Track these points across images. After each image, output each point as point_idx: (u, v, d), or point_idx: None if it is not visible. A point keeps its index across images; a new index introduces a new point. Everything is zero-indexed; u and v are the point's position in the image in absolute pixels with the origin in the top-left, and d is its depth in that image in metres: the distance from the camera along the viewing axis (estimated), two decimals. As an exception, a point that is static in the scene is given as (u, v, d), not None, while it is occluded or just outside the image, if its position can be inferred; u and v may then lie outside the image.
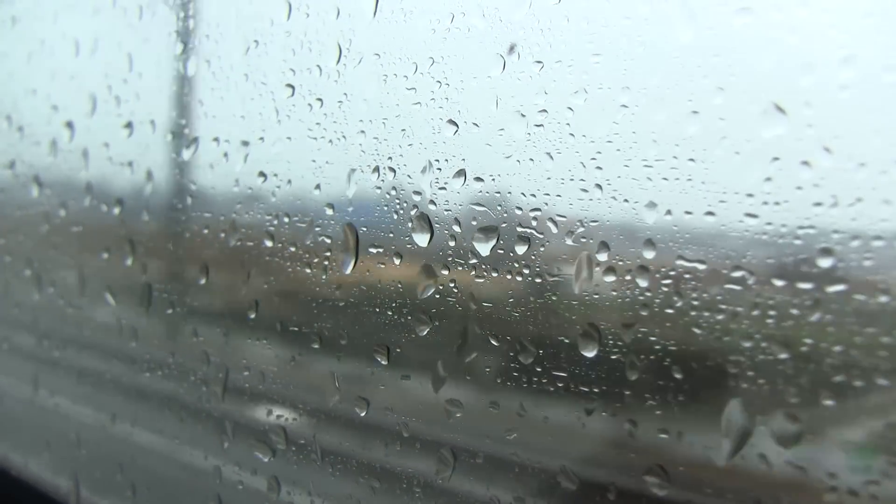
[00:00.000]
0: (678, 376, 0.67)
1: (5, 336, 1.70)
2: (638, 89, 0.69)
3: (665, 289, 0.67)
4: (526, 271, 0.76)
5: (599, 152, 0.71)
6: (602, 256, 0.71)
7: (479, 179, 0.80)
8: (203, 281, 1.14)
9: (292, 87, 1.00)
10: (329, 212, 0.95)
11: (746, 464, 0.63)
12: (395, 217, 0.88)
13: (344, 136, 0.94)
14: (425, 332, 0.85)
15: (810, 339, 0.59)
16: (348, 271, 0.93)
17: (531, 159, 0.76)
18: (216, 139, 1.11)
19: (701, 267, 0.65)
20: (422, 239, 0.85)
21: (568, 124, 0.73)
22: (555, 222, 0.74)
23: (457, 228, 0.82)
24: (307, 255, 0.98)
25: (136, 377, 1.30)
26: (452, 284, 0.83)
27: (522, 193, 0.76)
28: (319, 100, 0.97)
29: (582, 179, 0.72)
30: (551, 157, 0.74)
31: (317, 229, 0.96)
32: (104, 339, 1.40)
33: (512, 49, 0.77)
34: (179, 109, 1.20)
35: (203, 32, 1.16)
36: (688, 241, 0.66)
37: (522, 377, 0.77)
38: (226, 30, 1.12)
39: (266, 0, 1.05)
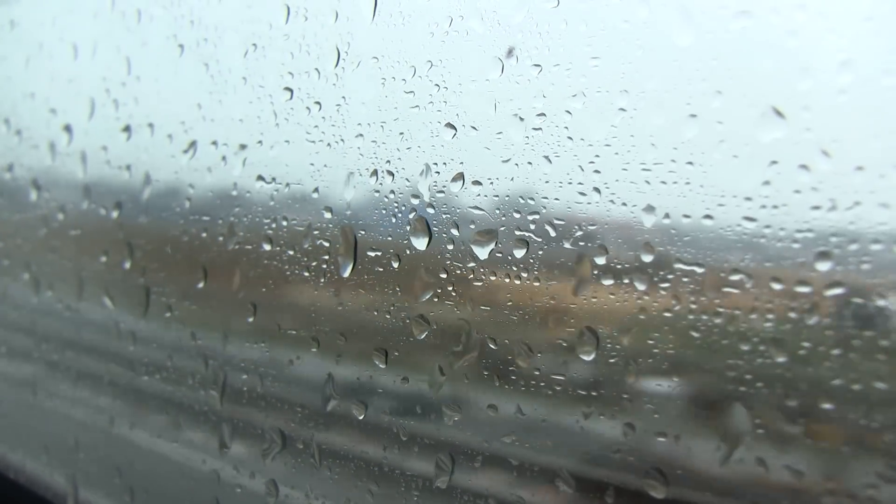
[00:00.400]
0: (675, 379, 0.67)
1: (4, 339, 1.70)
2: (636, 93, 0.69)
3: (663, 292, 0.67)
4: (524, 275, 0.76)
5: (598, 156, 0.71)
6: (600, 260, 0.71)
7: (477, 183, 0.80)
8: (201, 284, 1.14)
9: (290, 91, 1.00)
10: (327, 215, 0.95)
11: (744, 467, 0.63)
12: (394, 220, 0.88)
13: (342, 140, 0.93)
14: (423, 336, 0.85)
15: (808, 342, 0.59)
16: (346, 275, 0.93)
17: (529, 163, 0.76)
18: (214, 142, 1.11)
19: (699, 270, 0.65)
20: (420, 242, 0.85)
21: (566, 127, 0.73)
22: (553, 226, 0.74)
23: (455, 232, 0.82)
24: (305, 259, 0.98)
25: (134, 380, 1.29)
26: (451, 288, 0.83)
27: (521, 197, 0.76)
28: (318, 103, 0.97)
29: (580, 183, 0.72)
30: (549, 161, 0.74)
31: (315, 233, 0.96)
32: (102, 341, 1.40)
33: (510, 52, 0.77)
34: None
35: (201, 36, 1.16)
36: (686, 245, 0.66)
37: (520, 380, 0.77)
38: (224, 33, 1.12)
39: (264, 3, 1.05)
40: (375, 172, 0.89)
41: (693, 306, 0.65)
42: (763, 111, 0.61)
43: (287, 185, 1.00)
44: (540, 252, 0.75)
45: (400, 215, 0.87)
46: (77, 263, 1.43)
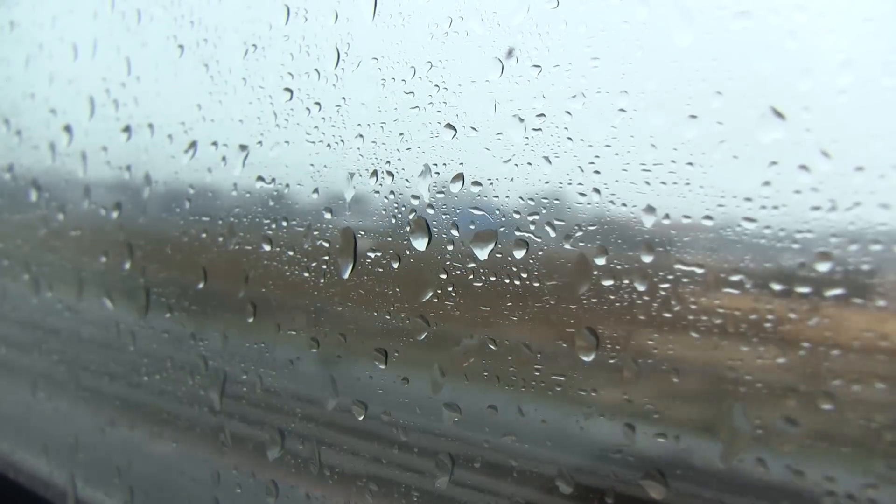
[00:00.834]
0: (675, 380, 0.67)
1: (4, 339, 1.70)
2: (636, 93, 0.69)
3: (663, 293, 0.67)
4: (524, 275, 0.76)
5: (597, 156, 0.71)
6: (600, 260, 0.71)
7: (477, 183, 0.80)
8: (201, 285, 1.14)
9: (290, 91, 1.00)
10: (327, 216, 0.95)
11: (745, 468, 0.63)
12: (394, 221, 0.88)
13: (342, 140, 0.94)
14: (423, 336, 0.85)
15: (808, 342, 0.59)
16: (346, 275, 0.93)
17: (529, 163, 0.76)
18: (214, 143, 1.11)
19: (699, 271, 0.65)
20: (420, 243, 0.85)
21: (566, 128, 0.73)
22: (553, 226, 0.74)
23: (455, 232, 0.82)
24: (305, 259, 0.98)
25: (134, 381, 1.29)
26: (451, 288, 0.83)
27: (520, 197, 0.76)
28: (318, 104, 0.97)
29: (580, 183, 0.72)
30: (549, 161, 0.74)
31: (315, 233, 0.96)
32: (102, 342, 1.40)
33: (510, 53, 0.77)
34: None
35: (201, 36, 1.16)
36: (686, 245, 0.66)
37: (520, 380, 0.77)
38: (224, 33, 1.12)
39: (264, 4, 1.05)
40: (375, 173, 0.90)
41: (693, 306, 0.65)
42: (763, 112, 0.61)
43: (287, 185, 1.00)
44: (540, 252, 0.75)
45: (400, 216, 0.87)
46: (77, 264, 1.43)
